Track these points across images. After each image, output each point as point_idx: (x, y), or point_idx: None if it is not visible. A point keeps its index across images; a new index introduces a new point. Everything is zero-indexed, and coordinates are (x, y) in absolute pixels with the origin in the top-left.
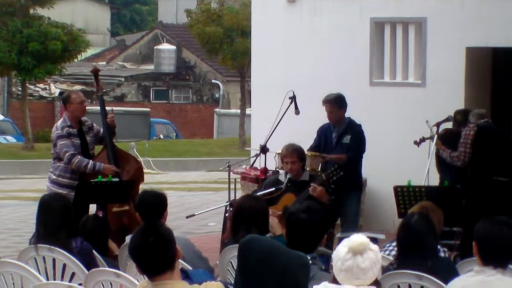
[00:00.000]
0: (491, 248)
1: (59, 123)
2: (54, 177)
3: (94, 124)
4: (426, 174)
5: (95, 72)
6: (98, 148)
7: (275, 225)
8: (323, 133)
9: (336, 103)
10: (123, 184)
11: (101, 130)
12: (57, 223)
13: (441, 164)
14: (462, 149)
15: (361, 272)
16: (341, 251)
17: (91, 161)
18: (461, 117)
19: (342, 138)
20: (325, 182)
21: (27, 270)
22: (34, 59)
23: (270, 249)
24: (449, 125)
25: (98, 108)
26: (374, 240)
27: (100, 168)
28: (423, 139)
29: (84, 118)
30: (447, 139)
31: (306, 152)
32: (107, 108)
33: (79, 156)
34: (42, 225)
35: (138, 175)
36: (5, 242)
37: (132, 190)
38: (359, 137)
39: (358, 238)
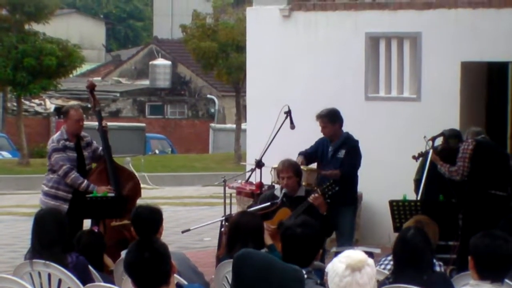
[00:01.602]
0: (489, 263)
1: (55, 136)
2: (46, 188)
3: (94, 142)
4: (422, 188)
5: (91, 87)
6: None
7: (265, 236)
8: (321, 145)
9: (328, 118)
10: (118, 200)
11: (100, 148)
12: (52, 238)
13: (433, 178)
14: (461, 163)
15: None
16: (339, 268)
17: (86, 181)
18: (454, 143)
19: (338, 153)
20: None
21: (22, 285)
22: (29, 74)
23: (265, 264)
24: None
25: (92, 123)
26: (369, 254)
27: (93, 190)
28: (421, 154)
29: (83, 134)
30: (446, 155)
31: (302, 167)
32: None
33: (76, 173)
34: (37, 240)
35: (136, 190)
36: (0, 258)
37: (127, 205)
38: (354, 152)
39: (356, 255)
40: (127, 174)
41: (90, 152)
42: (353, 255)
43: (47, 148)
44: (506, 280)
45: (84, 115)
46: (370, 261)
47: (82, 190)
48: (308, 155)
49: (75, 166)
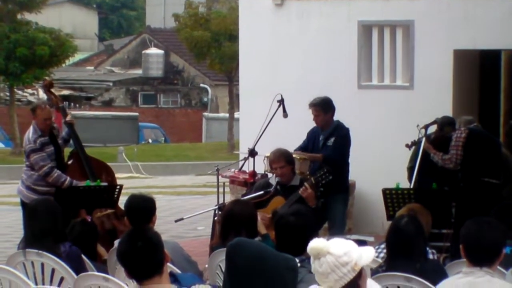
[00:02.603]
0: (475, 247)
1: (30, 134)
2: (29, 183)
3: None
4: (415, 176)
5: (49, 86)
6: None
7: (259, 225)
8: (312, 135)
9: (321, 107)
10: (111, 188)
11: (61, 135)
12: (45, 228)
13: (425, 166)
14: (454, 151)
15: (322, 276)
16: None
17: (68, 178)
18: (449, 129)
19: (328, 141)
20: (313, 185)
21: (15, 275)
22: (22, 64)
23: (258, 252)
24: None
25: (85, 112)
26: (363, 243)
27: (77, 185)
28: (414, 142)
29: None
30: (438, 144)
31: (294, 154)
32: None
33: (57, 171)
34: (30, 230)
35: (112, 180)
36: None
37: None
38: (341, 140)
39: (314, 243)
40: (100, 165)
41: (61, 139)
42: (313, 243)
43: (24, 146)
44: (499, 267)
45: (77, 105)
46: (337, 250)
47: (65, 188)
48: (302, 151)
49: (54, 160)
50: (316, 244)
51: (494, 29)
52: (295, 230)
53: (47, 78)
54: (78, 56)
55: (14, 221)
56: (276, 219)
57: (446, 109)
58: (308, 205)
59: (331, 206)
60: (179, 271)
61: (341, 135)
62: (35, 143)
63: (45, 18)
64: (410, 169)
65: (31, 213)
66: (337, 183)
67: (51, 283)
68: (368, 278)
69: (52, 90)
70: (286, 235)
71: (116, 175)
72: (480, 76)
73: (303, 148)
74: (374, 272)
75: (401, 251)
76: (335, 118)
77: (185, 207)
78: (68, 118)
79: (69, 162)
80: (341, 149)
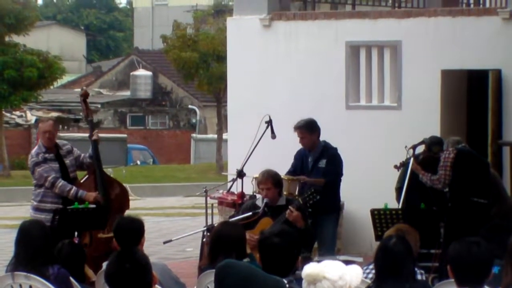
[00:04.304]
0: (463, 268)
1: (34, 150)
2: (35, 203)
3: (75, 149)
4: (403, 196)
5: (85, 96)
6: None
7: None
8: (300, 157)
9: (306, 129)
10: (99, 211)
11: (82, 155)
12: (36, 249)
13: (414, 187)
14: (442, 172)
15: None
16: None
17: (74, 187)
18: (437, 149)
19: (318, 162)
20: (302, 206)
21: None
22: (10, 86)
23: (247, 274)
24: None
25: (73, 134)
26: (351, 264)
27: (82, 195)
28: (403, 164)
29: (62, 142)
30: (427, 164)
31: (283, 176)
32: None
33: (62, 181)
34: (21, 251)
35: (125, 202)
36: None
37: (114, 217)
38: (335, 160)
39: (310, 269)
40: (116, 185)
41: (73, 160)
42: (308, 268)
43: (28, 164)
44: (486, 287)
45: (65, 127)
46: (333, 275)
47: (71, 197)
48: (292, 174)
49: (59, 176)
50: (311, 270)
51: (482, 49)
52: (280, 251)
53: (85, 88)
54: (66, 78)
55: (3, 244)
56: (260, 240)
57: (434, 129)
58: (294, 226)
59: (322, 226)
60: None
61: (332, 155)
62: (37, 157)
63: (33, 40)
64: (398, 190)
65: (24, 234)
66: (329, 203)
67: None
68: None
69: (88, 101)
70: (271, 256)
71: None
72: (467, 96)
73: (292, 172)
74: None
75: (390, 272)
76: (323, 138)
77: (174, 229)
78: (95, 135)
79: (85, 178)
80: (337, 170)
